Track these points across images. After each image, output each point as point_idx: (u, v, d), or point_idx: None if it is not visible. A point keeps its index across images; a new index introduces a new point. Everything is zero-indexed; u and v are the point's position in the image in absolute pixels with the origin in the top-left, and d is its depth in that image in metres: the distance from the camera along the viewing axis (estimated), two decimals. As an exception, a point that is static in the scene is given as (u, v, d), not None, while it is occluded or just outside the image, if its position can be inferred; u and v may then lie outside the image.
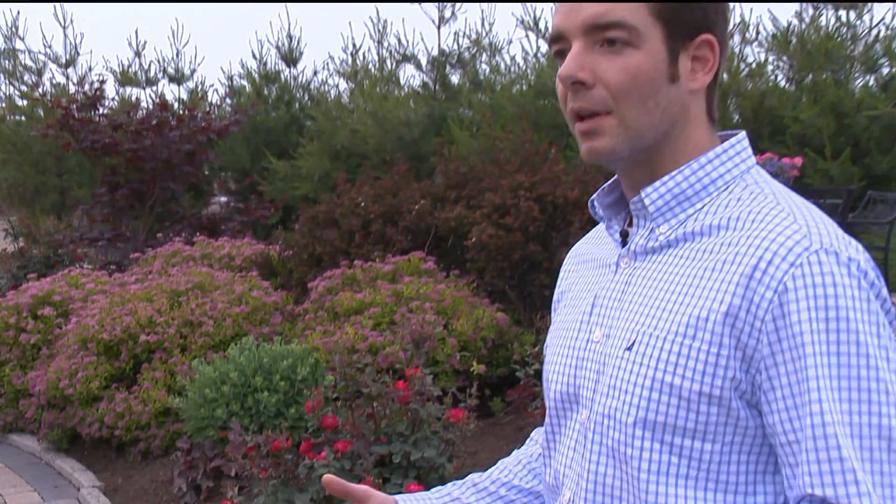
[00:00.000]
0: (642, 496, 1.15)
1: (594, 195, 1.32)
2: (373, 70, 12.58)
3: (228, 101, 13.20)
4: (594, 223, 1.44)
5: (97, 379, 6.08)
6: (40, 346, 6.95)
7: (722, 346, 1.11)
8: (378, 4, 20.42)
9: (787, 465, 1.10)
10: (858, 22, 9.78)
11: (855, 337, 1.06)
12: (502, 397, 5.62)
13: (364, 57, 12.91)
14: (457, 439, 4.14)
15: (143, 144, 10.30)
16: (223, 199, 13.07)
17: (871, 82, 9.84)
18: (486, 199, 6.50)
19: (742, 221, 1.15)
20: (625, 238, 1.29)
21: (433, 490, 1.49)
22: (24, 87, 14.29)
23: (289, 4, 24.16)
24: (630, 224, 1.29)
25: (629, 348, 1.18)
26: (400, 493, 3.77)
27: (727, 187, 1.21)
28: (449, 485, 1.49)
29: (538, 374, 4.99)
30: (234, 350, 5.32)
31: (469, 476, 1.51)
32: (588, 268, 1.37)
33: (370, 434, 4.07)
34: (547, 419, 1.34)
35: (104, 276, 7.76)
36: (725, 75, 9.25)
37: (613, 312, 1.24)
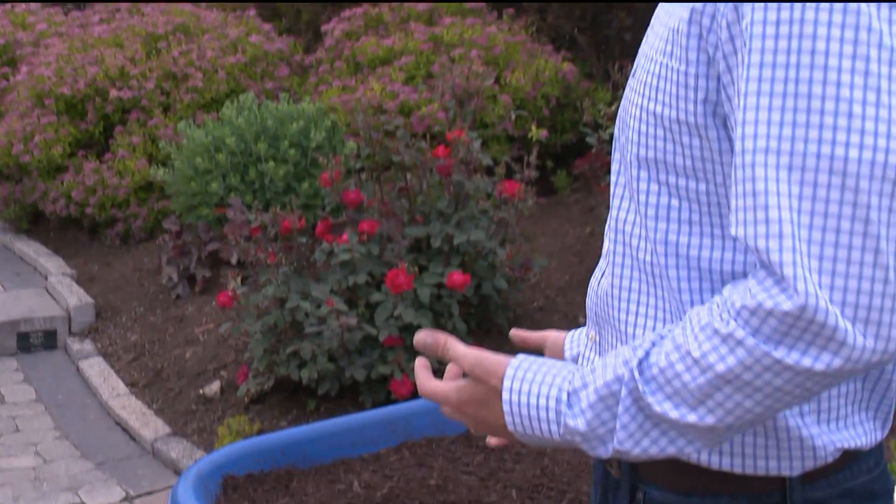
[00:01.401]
0: (659, 248, 1.22)
1: None
2: None
3: None
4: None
5: (59, 144, 6.18)
6: (-15, 103, 7.04)
7: (689, 63, 1.14)
8: None
9: None
10: None
11: (810, 44, 1.03)
12: (568, 169, 5.67)
13: None
14: (511, 219, 4.20)
15: None
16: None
17: None
18: (550, -86, 6.30)
19: None
20: None
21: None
22: None
23: None
24: None
25: (633, 74, 1.26)
26: (440, 283, 3.88)
27: None
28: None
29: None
30: (231, 110, 5.36)
31: None
32: None
33: (403, 213, 4.14)
34: None
35: (59, 15, 7.74)
36: None
37: (650, 37, 1.28)
